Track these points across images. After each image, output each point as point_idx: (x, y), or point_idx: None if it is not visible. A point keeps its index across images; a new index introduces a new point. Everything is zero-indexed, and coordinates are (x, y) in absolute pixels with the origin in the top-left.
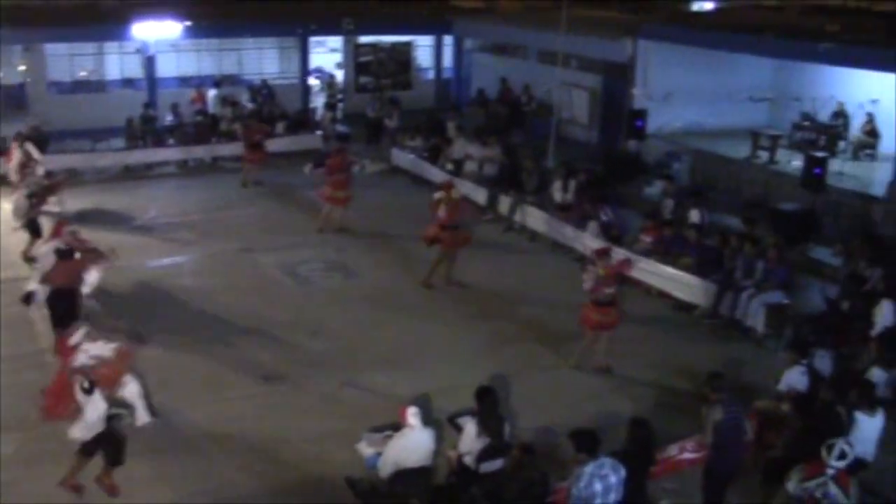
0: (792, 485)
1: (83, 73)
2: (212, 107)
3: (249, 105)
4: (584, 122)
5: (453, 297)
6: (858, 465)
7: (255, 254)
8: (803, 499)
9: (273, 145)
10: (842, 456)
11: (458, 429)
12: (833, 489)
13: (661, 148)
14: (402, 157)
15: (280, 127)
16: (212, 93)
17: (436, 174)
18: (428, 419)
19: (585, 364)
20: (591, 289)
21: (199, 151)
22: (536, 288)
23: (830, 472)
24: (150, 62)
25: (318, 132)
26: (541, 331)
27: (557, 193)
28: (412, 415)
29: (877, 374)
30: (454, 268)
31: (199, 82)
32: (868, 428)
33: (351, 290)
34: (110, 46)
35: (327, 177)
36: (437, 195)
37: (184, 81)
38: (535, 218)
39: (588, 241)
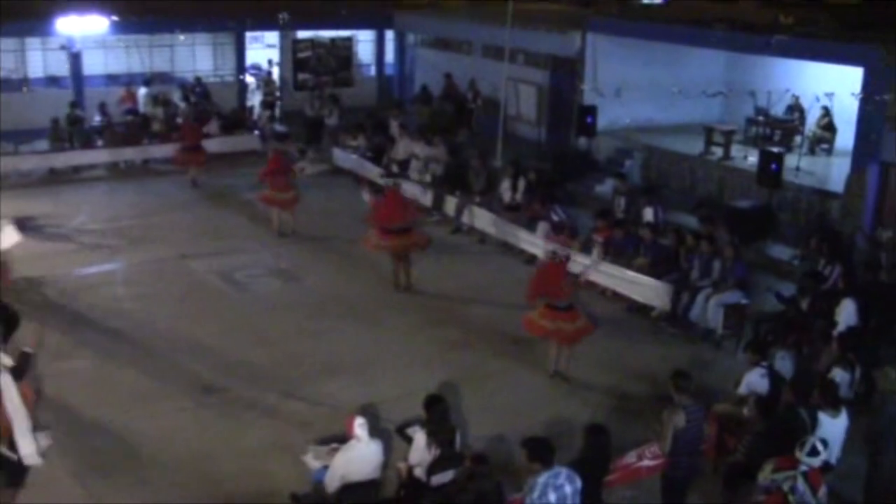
0: (762, 476)
1: (4, 71)
2: (142, 106)
3: (182, 104)
4: (532, 120)
5: (400, 301)
6: (824, 467)
7: (190, 260)
8: (770, 490)
9: (208, 146)
10: (813, 452)
11: (408, 439)
12: (802, 485)
13: (612, 145)
14: (344, 158)
15: (214, 127)
16: (142, 91)
17: (380, 174)
18: (376, 430)
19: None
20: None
21: (130, 153)
22: (486, 291)
23: (802, 468)
24: (75, 59)
25: (256, 132)
26: (492, 335)
27: (506, 193)
28: (359, 426)
29: (839, 375)
30: (405, 273)
31: (129, 80)
32: (832, 430)
33: (292, 295)
34: (33, 42)
35: (269, 178)
36: (367, 197)
37: (112, 79)
38: (483, 219)
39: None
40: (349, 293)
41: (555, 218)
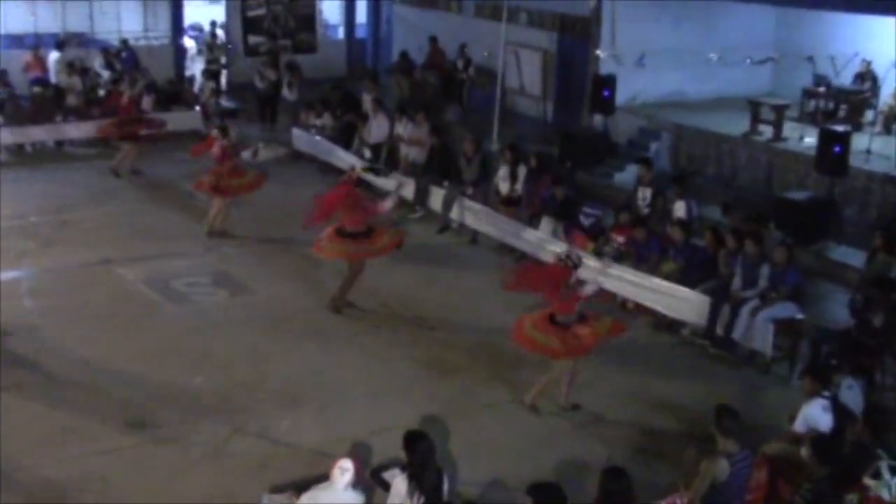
0: None
1: None
2: (54, 75)
3: (105, 72)
4: (537, 93)
5: (373, 316)
6: None
7: (115, 266)
8: None
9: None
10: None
11: (385, 486)
12: None
13: (635, 124)
14: (306, 140)
15: (146, 102)
16: (53, 56)
17: (349, 161)
18: (362, 480)
19: (547, 401)
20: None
21: (40, 133)
22: (479, 303)
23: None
24: None
25: (196, 108)
26: (486, 358)
27: (503, 183)
28: (339, 468)
29: None
30: (349, 285)
31: (37, 42)
32: None
33: (241, 309)
34: None
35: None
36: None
37: (15, 41)
38: (475, 215)
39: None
40: (311, 306)
41: (585, 221)
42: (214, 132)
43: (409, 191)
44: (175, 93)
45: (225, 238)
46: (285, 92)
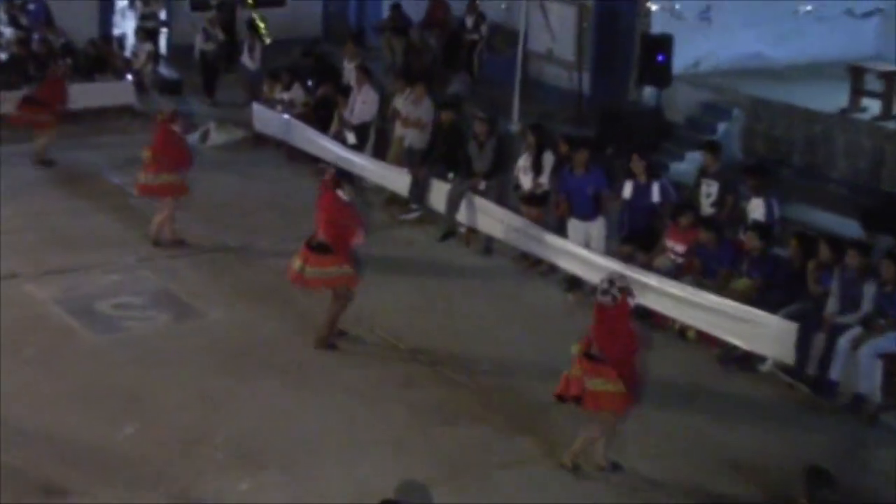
0: None
1: None
2: None
3: (7, 30)
4: (569, 59)
5: (358, 347)
6: None
7: (22, 282)
8: None
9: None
10: None
11: None
12: None
13: (697, 98)
14: (270, 120)
15: (63, 69)
16: None
17: (326, 146)
18: None
19: (586, 461)
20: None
21: None
22: (494, 332)
23: None
24: None
25: (128, 77)
26: (503, 403)
27: (525, 176)
28: None
29: None
30: (338, 314)
31: None
32: None
33: (187, 339)
34: None
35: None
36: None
37: None
38: (489, 216)
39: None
40: (278, 334)
41: (656, 198)
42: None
43: (402, 184)
44: (99, 57)
45: (166, 246)
46: (244, 58)
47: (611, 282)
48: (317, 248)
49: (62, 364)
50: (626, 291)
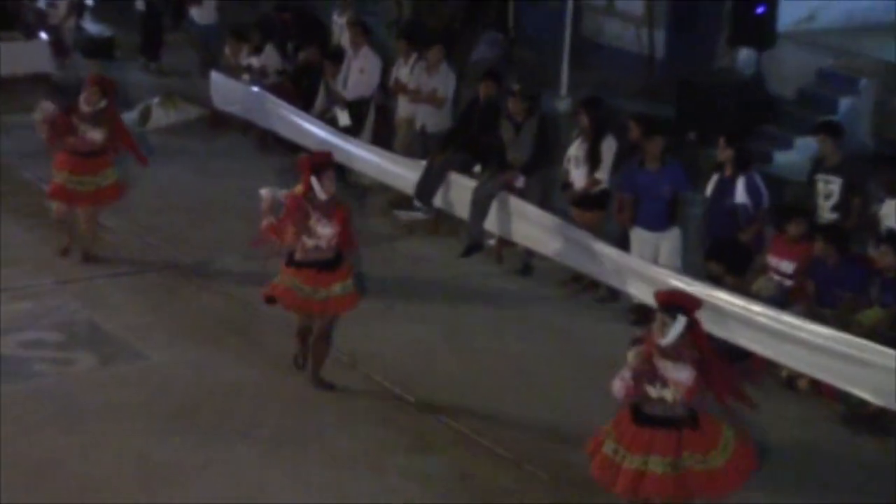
0: None
1: None
2: None
3: None
4: (637, 11)
5: (350, 399)
6: None
7: None
8: None
9: None
10: None
11: None
12: None
13: (810, 64)
14: (234, 93)
15: None
16: None
17: (309, 129)
18: None
19: None
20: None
21: None
22: (535, 382)
23: None
24: None
25: (43, 36)
26: (547, 475)
27: (578, 170)
28: None
29: None
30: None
31: None
32: None
33: (120, 389)
34: None
35: (56, 142)
36: (267, 195)
37: None
38: (529, 224)
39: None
40: (239, 383)
41: (739, 197)
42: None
43: (410, 181)
44: (2, 9)
45: (90, 263)
46: (194, 11)
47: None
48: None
49: None
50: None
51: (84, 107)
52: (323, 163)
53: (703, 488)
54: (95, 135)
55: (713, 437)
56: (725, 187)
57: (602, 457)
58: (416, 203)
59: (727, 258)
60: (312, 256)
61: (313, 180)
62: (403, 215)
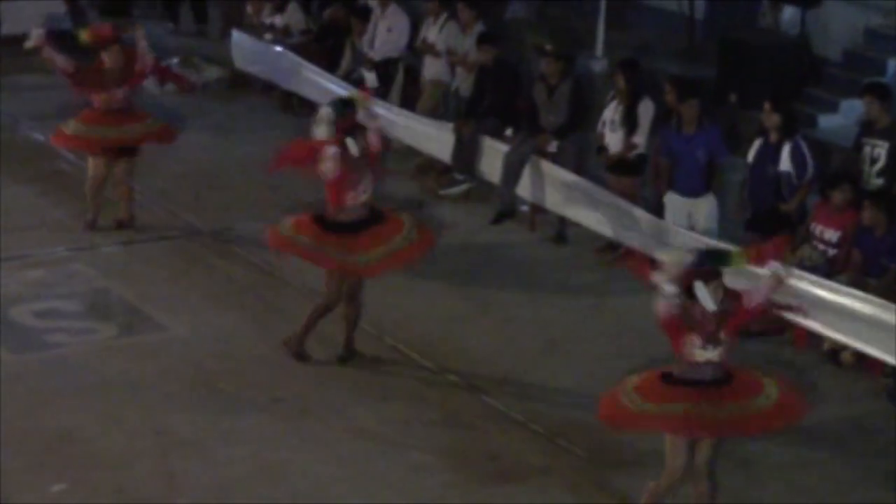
0: None
1: None
2: None
3: None
4: None
5: (376, 371)
6: None
7: None
8: None
9: None
10: None
11: None
12: None
13: (859, 22)
14: (255, 53)
15: None
16: None
17: (335, 91)
18: None
19: None
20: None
21: None
22: (567, 353)
23: None
24: None
25: None
26: (581, 450)
27: (614, 134)
28: None
29: None
30: (352, 312)
31: None
32: None
33: (139, 360)
34: None
35: (77, 91)
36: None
37: None
38: (563, 190)
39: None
40: (260, 355)
41: (784, 165)
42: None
43: (441, 144)
44: None
45: (116, 230)
46: None
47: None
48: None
49: None
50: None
51: (110, 65)
52: (355, 122)
53: (749, 426)
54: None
55: (755, 388)
56: (769, 154)
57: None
58: (457, 175)
59: (768, 229)
60: (350, 216)
61: (349, 140)
62: (451, 192)
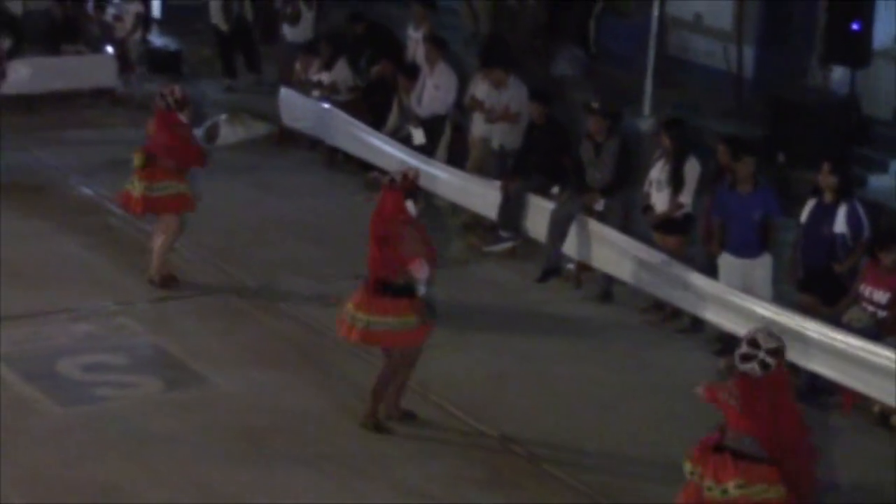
0: None
1: None
2: None
3: None
4: (725, 27)
5: (422, 434)
6: None
7: None
8: None
9: None
10: None
11: None
12: None
13: None
14: (303, 110)
15: (4, 40)
16: None
17: (382, 148)
18: None
19: None
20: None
21: None
22: (614, 414)
23: None
24: None
25: (108, 49)
26: None
27: (660, 193)
28: None
29: None
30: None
31: None
32: None
33: (186, 415)
34: None
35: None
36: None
37: None
38: (609, 248)
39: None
40: (306, 411)
41: (839, 227)
42: (163, 101)
43: (487, 201)
44: (67, 21)
45: (161, 285)
46: (287, 28)
47: (754, 342)
48: (380, 288)
49: (12, 448)
50: (781, 355)
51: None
52: (416, 185)
53: None
54: None
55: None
56: (824, 215)
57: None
58: (502, 233)
59: (821, 290)
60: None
61: (408, 203)
62: (497, 249)
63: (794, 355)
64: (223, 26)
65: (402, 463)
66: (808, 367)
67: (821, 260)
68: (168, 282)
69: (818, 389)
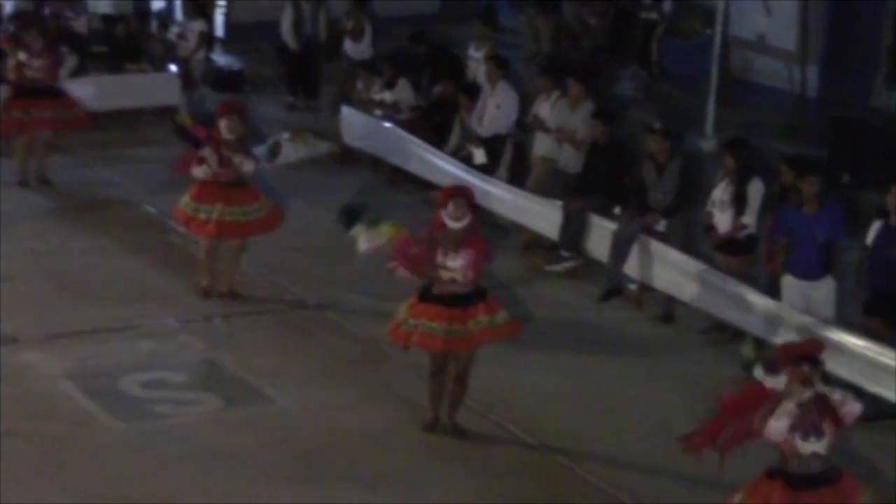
0: None
1: None
2: None
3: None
4: (789, 48)
5: (481, 453)
6: None
7: (23, 350)
8: None
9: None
10: None
11: None
12: None
13: None
14: (365, 129)
15: (72, 60)
16: None
17: (443, 167)
18: None
19: None
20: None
21: None
22: (674, 435)
23: None
24: None
25: (173, 68)
26: None
27: (723, 214)
28: None
29: None
30: (449, 401)
31: None
32: None
33: (246, 432)
34: None
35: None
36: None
37: None
38: (671, 269)
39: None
40: (368, 430)
41: None
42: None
43: (549, 221)
44: (131, 40)
45: (222, 300)
46: (349, 45)
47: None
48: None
49: (74, 464)
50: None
51: (227, 135)
52: (452, 193)
53: None
54: (248, 165)
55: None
56: (890, 237)
57: None
58: (564, 253)
59: (889, 313)
60: (448, 290)
61: (442, 211)
62: (558, 269)
63: (858, 378)
64: (293, 44)
65: (459, 481)
66: (873, 391)
67: (888, 282)
68: (234, 297)
69: (884, 413)
